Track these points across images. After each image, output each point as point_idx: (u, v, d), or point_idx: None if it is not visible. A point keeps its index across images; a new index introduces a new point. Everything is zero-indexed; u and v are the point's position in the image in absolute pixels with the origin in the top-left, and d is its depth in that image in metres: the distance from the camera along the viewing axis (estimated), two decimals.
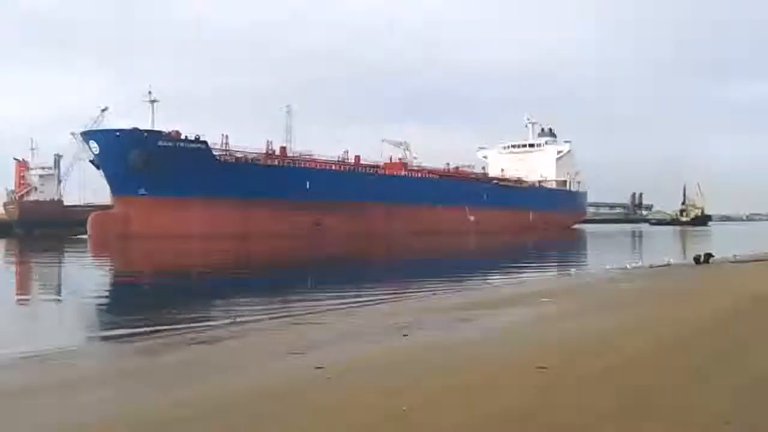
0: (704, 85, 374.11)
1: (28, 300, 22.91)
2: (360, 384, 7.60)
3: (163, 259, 44.05)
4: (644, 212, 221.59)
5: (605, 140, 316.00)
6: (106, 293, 24.96)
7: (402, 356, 9.31)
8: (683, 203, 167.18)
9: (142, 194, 65.84)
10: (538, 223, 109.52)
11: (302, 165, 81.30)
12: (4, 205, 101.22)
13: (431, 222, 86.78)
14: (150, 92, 69.44)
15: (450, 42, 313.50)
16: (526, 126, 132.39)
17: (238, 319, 15.38)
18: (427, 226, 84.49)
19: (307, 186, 76.10)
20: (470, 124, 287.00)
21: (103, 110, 69.14)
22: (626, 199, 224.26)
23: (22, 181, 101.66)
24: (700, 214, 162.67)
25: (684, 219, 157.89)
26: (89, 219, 72.01)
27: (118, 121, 67.62)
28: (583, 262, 40.82)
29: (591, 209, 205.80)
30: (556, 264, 39.28)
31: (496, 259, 42.34)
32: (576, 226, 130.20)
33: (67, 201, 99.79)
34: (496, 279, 27.83)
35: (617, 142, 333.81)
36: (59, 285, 28.95)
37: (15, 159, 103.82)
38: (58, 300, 22.88)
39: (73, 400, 7.72)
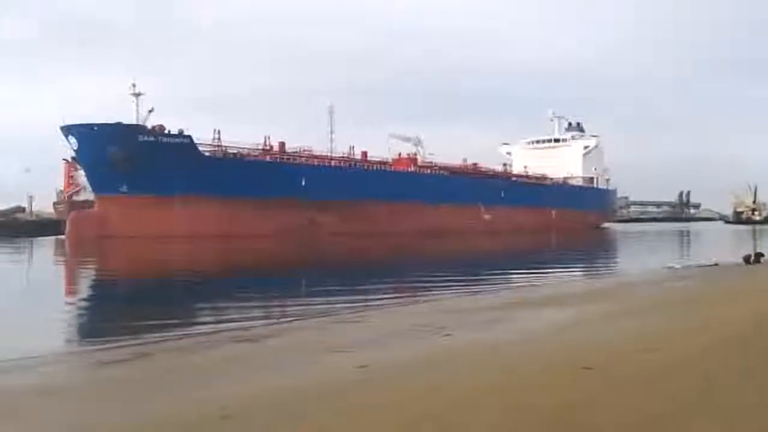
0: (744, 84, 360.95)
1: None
2: (401, 383, 7.57)
3: (161, 260, 41.93)
4: (692, 211, 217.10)
5: (650, 140, 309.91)
6: (137, 294, 24.41)
7: (443, 356, 9.25)
8: (754, 201, 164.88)
9: (124, 192, 62.38)
10: (561, 221, 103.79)
11: (298, 161, 75.70)
12: (54, 204, 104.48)
13: (439, 221, 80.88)
14: (134, 85, 66.14)
15: (480, 41, 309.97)
16: (551, 120, 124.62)
17: (281, 319, 15.54)
18: (435, 225, 79.16)
19: (302, 183, 70.79)
20: (500, 122, 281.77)
21: (150, 111, 69.86)
22: (673, 198, 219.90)
23: (71, 181, 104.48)
24: None
25: (757, 218, 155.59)
26: (68, 218, 67.86)
27: (162, 120, 67.23)
28: (623, 263, 39.70)
29: (636, 208, 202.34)
30: (591, 265, 38.01)
31: (522, 260, 40.72)
32: (607, 224, 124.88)
33: None
34: (529, 280, 26.62)
35: (662, 142, 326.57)
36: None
37: (64, 159, 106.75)
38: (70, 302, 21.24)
39: (103, 398, 7.85)
